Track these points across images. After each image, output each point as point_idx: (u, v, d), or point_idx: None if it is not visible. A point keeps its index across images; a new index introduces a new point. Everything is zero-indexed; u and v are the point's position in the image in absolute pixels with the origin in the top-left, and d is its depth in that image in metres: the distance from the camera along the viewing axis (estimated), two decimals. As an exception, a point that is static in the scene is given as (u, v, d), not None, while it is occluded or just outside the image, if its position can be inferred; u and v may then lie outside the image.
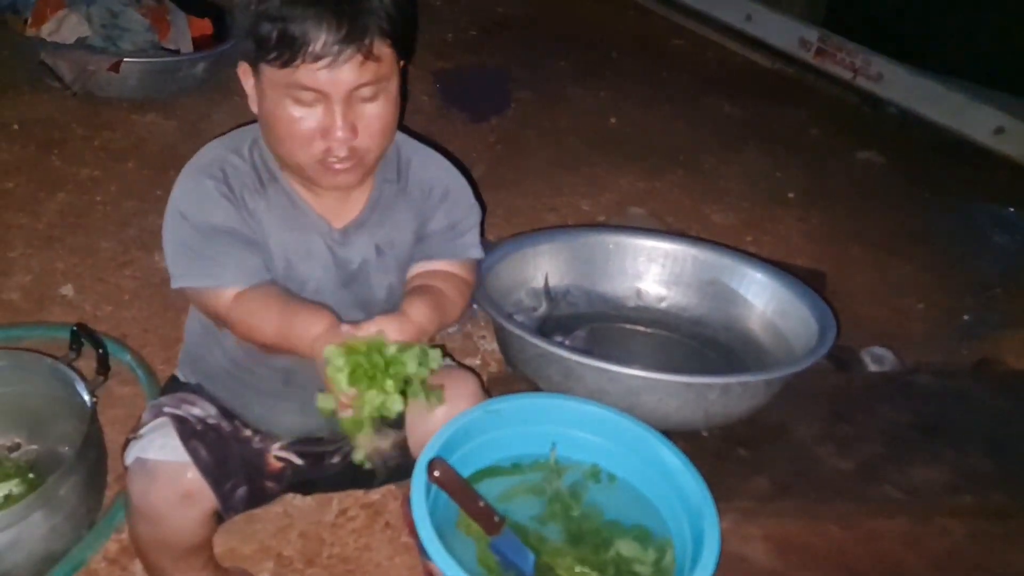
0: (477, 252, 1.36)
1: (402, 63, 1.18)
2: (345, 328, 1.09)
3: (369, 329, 1.08)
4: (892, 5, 3.98)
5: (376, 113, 1.14)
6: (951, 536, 1.49)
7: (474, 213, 1.36)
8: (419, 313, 1.15)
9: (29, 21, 2.75)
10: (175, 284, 1.19)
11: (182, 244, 1.19)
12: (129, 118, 2.72)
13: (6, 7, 2.86)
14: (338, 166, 1.16)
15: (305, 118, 1.12)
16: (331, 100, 1.10)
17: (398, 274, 1.31)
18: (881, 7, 3.98)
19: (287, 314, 1.13)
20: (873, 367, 2.01)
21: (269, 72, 1.10)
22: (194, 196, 1.19)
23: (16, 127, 2.62)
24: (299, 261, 1.24)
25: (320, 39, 1.05)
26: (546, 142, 3.06)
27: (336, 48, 1.06)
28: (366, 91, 1.12)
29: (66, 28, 2.69)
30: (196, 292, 1.20)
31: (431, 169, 1.33)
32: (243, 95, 1.20)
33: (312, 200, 1.24)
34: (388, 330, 1.08)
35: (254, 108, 1.18)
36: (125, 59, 2.69)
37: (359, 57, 1.08)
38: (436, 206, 1.31)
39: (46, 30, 2.70)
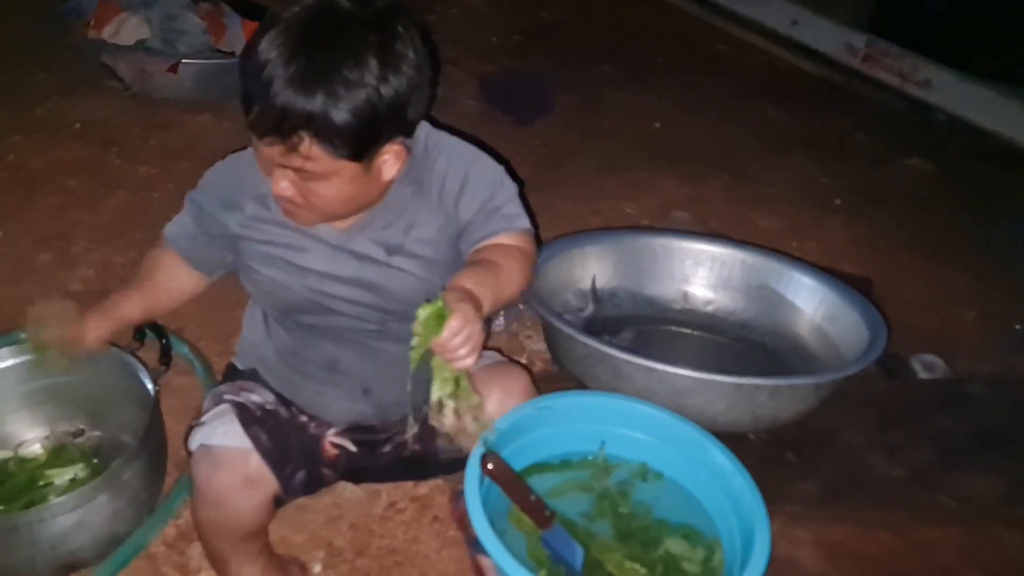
0: (520, 223, 1.29)
1: (375, 154, 1.15)
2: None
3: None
4: (941, 10, 3.92)
5: (319, 192, 1.14)
6: (1006, 546, 1.48)
7: (504, 188, 1.30)
8: (466, 280, 1.11)
9: (91, 24, 2.85)
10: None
11: (180, 216, 1.37)
12: (184, 119, 2.79)
13: (69, 11, 2.96)
14: (281, 207, 1.21)
15: (259, 163, 1.16)
16: (268, 164, 1.14)
17: (426, 272, 1.29)
18: (930, 12, 3.93)
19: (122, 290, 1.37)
20: (924, 374, 1.99)
21: None
22: (203, 190, 1.35)
23: (78, 127, 2.71)
24: (307, 262, 1.28)
25: (252, 111, 1.07)
26: (590, 146, 3.07)
27: (260, 130, 1.08)
28: (304, 173, 1.11)
29: (126, 31, 2.77)
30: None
31: (449, 164, 1.28)
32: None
33: None
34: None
35: None
36: (182, 61, 2.77)
37: (279, 147, 1.08)
38: (458, 197, 1.27)
39: (107, 33, 2.79)
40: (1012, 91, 3.36)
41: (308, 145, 1.07)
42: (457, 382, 1.12)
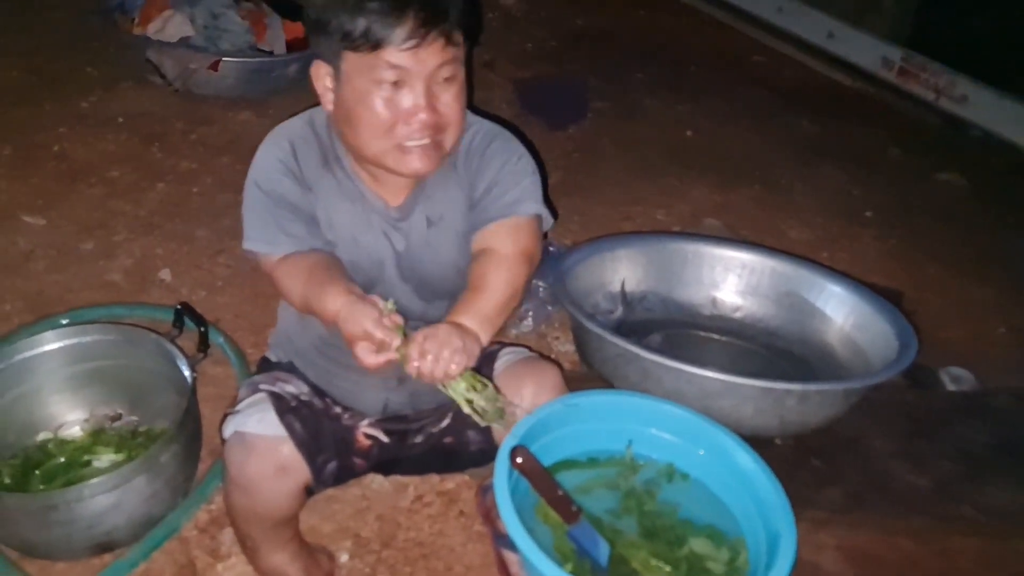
0: (529, 208, 1.31)
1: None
2: (364, 299, 1.17)
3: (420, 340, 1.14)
4: (980, 26, 3.89)
5: (454, 94, 1.22)
6: (1029, 559, 1.47)
7: (520, 168, 1.32)
8: (462, 317, 1.20)
9: (137, 20, 2.92)
10: (244, 245, 1.29)
11: (253, 211, 1.29)
12: (225, 115, 2.85)
13: (115, 7, 3.04)
14: (417, 149, 1.21)
15: (388, 103, 1.18)
16: (414, 82, 1.17)
17: (451, 248, 1.34)
18: (969, 28, 3.90)
19: (317, 282, 1.21)
20: (951, 386, 1.98)
21: (354, 60, 1.17)
22: (264, 167, 1.29)
23: (121, 120, 2.78)
24: (361, 235, 1.31)
25: (407, 23, 1.13)
26: (622, 152, 3.09)
27: (422, 31, 1.14)
28: (446, 71, 1.19)
29: (171, 28, 2.84)
30: (255, 254, 1.30)
31: (476, 140, 1.34)
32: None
33: (370, 182, 1.31)
34: (435, 338, 1.14)
35: (328, 107, 1.25)
36: (224, 58, 2.83)
37: (441, 40, 1.16)
38: (477, 171, 1.33)
39: (152, 29, 2.86)
40: (1049, 108, 3.33)
41: (458, 33, 1.18)
42: (473, 385, 1.18)
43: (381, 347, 1.14)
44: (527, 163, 1.35)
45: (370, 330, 1.13)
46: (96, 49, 3.15)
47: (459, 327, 1.18)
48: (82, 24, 3.27)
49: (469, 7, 1.21)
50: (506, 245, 1.29)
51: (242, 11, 2.97)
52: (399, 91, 1.18)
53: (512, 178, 1.32)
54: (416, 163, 1.23)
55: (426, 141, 1.21)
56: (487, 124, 1.37)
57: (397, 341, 1.14)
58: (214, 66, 2.81)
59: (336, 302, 1.17)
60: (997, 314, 2.47)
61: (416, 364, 1.13)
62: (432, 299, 1.37)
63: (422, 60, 1.16)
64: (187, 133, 2.77)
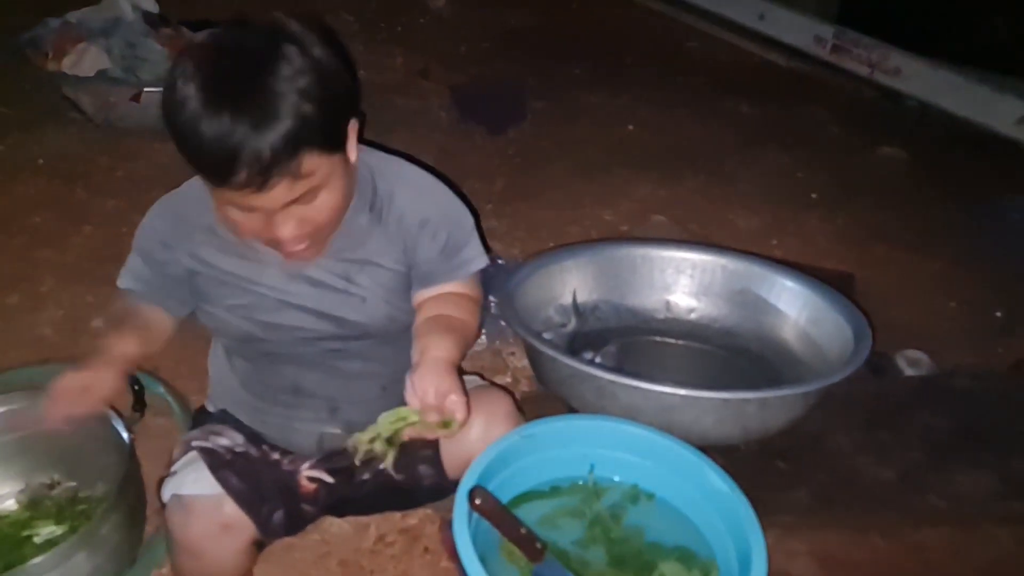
0: (478, 263, 1.32)
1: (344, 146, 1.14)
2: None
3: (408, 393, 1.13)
4: (906, -3, 3.94)
5: (318, 207, 1.11)
6: (998, 544, 1.47)
7: (463, 226, 1.31)
8: (440, 351, 1.16)
9: (50, 55, 2.79)
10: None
11: (129, 264, 1.32)
12: (152, 147, 2.74)
13: (26, 43, 2.90)
14: (291, 250, 1.15)
15: (247, 221, 1.10)
16: (266, 213, 1.08)
17: (380, 301, 1.28)
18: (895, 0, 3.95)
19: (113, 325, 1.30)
20: (909, 371, 1.98)
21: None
22: (145, 234, 1.30)
23: (41, 162, 2.66)
24: (253, 280, 1.26)
25: (243, 168, 1.00)
26: (565, 152, 3.05)
27: (260, 178, 1.01)
28: (304, 198, 1.08)
29: (86, 61, 2.72)
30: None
31: (406, 198, 1.28)
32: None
33: None
34: (428, 376, 1.12)
35: None
36: (145, 89, 2.72)
37: (287, 179, 1.03)
38: (416, 236, 1.27)
39: (67, 64, 2.74)
40: (981, 75, 3.37)
41: (309, 159, 1.04)
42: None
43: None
44: (467, 218, 1.31)
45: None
46: (9, 89, 3.00)
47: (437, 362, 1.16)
48: (-8, 62, 3.13)
49: (327, 110, 1.04)
50: (461, 289, 1.31)
51: (160, 38, 2.85)
52: (255, 214, 1.08)
53: (458, 240, 1.29)
54: (300, 258, 1.19)
55: (301, 245, 1.15)
56: (414, 182, 1.30)
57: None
58: (136, 98, 2.71)
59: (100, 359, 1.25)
60: (946, 288, 2.50)
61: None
62: (361, 337, 1.31)
63: (267, 201, 1.05)
64: (112, 170, 2.66)
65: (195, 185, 1.24)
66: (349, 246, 1.25)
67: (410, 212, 1.26)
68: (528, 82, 3.46)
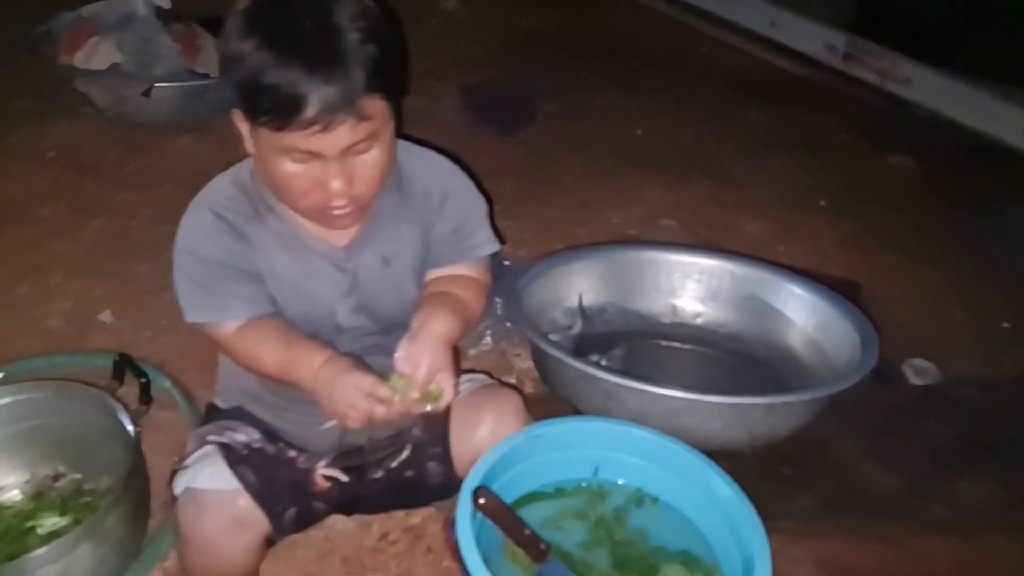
0: (488, 248, 1.36)
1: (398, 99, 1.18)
2: (344, 363, 1.16)
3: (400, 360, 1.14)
4: (919, 8, 3.93)
5: (371, 162, 1.14)
6: (1003, 555, 1.47)
7: (478, 210, 1.36)
8: (441, 326, 1.19)
9: (62, 49, 2.80)
10: (187, 318, 1.23)
11: (189, 279, 1.22)
12: (162, 142, 2.75)
13: (39, 36, 2.91)
14: (337, 212, 1.17)
15: (301, 174, 1.12)
16: (326, 158, 1.10)
17: (410, 284, 1.32)
18: (909, 10, 3.94)
19: (289, 348, 1.19)
20: (915, 380, 1.98)
21: (261, 131, 1.10)
22: (196, 232, 1.23)
23: (52, 154, 2.66)
24: (307, 281, 1.26)
25: (311, 107, 1.03)
26: (574, 155, 3.04)
27: (327, 116, 1.04)
28: (361, 145, 1.11)
29: (99, 55, 2.73)
30: (202, 325, 1.24)
31: (430, 175, 1.32)
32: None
33: (310, 225, 1.25)
34: (425, 347, 1.14)
35: (250, 150, 1.18)
36: (156, 84, 2.72)
37: (351, 119, 1.06)
38: (437, 211, 1.31)
39: (79, 58, 2.74)
40: (991, 86, 3.37)
41: (371, 100, 1.08)
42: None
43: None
44: (482, 203, 1.35)
45: (363, 408, 1.13)
46: (22, 80, 3.00)
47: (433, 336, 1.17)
48: (5, 56, 3.13)
49: (389, 60, 1.09)
50: (470, 272, 1.33)
51: (172, 34, 2.86)
52: (310, 164, 1.11)
53: (472, 223, 1.33)
54: (340, 223, 1.21)
55: (343, 204, 1.16)
56: (436, 162, 1.34)
57: (396, 397, 1.13)
58: (147, 92, 2.71)
59: (314, 377, 1.17)
60: (954, 298, 2.48)
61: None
62: (391, 329, 1.31)
63: (330, 143, 1.08)
64: (123, 164, 2.66)
65: (216, 190, 1.25)
66: (385, 228, 1.28)
67: (434, 188, 1.30)
68: (539, 84, 3.46)
